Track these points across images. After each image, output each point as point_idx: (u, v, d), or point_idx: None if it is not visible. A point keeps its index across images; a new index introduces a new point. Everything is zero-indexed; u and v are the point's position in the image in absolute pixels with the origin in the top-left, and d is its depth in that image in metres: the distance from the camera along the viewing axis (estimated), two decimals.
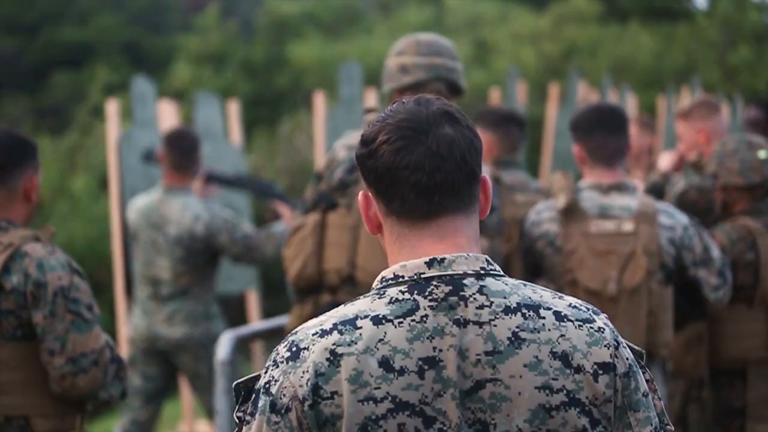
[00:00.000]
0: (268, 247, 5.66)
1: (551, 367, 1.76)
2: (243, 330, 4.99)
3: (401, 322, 1.77)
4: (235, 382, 1.84)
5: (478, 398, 1.75)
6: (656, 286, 3.91)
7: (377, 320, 1.77)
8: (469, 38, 21.62)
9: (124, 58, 26.61)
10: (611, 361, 1.79)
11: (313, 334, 1.79)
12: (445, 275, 1.80)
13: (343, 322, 1.78)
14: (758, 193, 4.56)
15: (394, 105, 1.89)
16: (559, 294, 1.86)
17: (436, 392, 1.74)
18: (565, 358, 1.77)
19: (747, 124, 6.05)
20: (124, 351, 6.25)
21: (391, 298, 1.79)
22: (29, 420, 3.30)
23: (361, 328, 1.77)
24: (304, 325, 1.84)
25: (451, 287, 1.79)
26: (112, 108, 6.68)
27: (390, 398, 1.74)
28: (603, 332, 1.81)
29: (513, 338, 1.76)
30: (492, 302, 1.78)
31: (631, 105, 11.99)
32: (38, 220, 14.34)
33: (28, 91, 25.46)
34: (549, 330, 1.78)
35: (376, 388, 1.74)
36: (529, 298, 1.81)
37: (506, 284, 1.82)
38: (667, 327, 3.98)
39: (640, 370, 1.84)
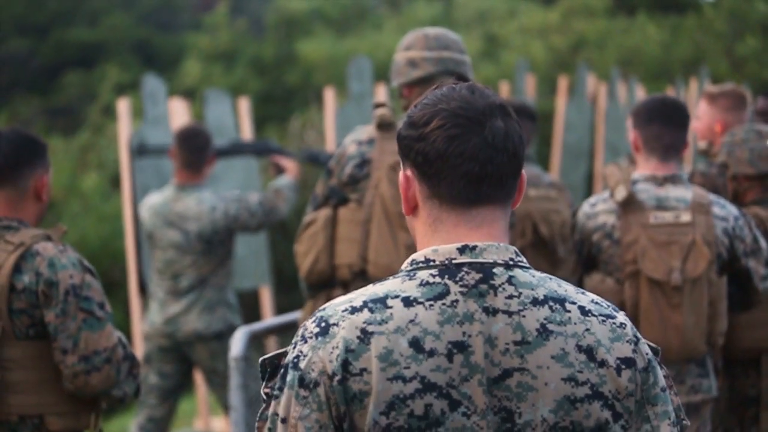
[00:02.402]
0: (281, 203, 5.74)
1: (577, 360, 1.79)
2: (257, 326, 5.02)
3: (432, 305, 1.79)
4: (261, 358, 1.86)
5: (505, 386, 1.77)
6: (714, 275, 3.93)
7: (408, 301, 1.79)
8: (479, 32, 21.59)
9: (134, 58, 26.63)
10: (633, 356, 1.82)
11: (343, 311, 1.81)
12: (476, 263, 1.82)
13: (374, 301, 1.80)
14: None
15: (444, 89, 1.89)
16: (582, 290, 1.89)
17: (464, 377, 1.76)
18: (590, 352, 1.80)
19: (755, 115, 5.80)
20: (140, 348, 6.27)
21: (422, 280, 1.81)
22: (43, 418, 3.32)
23: (392, 307, 1.79)
24: (333, 301, 1.85)
25: (481, 275, 1.81)
26: (124, 107, 6.72)
27: (419, 378, 1.75)
28: (624, 328, 1.84)
29: (541, 329, 1.79)
30: (521, 293, 1.81)
31: (639, 97, 12.00)
32: (51, 219, 14.41)
33: (40, 91, 25.49)
34: (575, 323, 1.81)
35: (405, 368, 1.75)
36: (556, 291, 1.84)
37: (533, 276, 1.85)
38: (723, 316, 4.00)
39: (657, 366, 1.86)
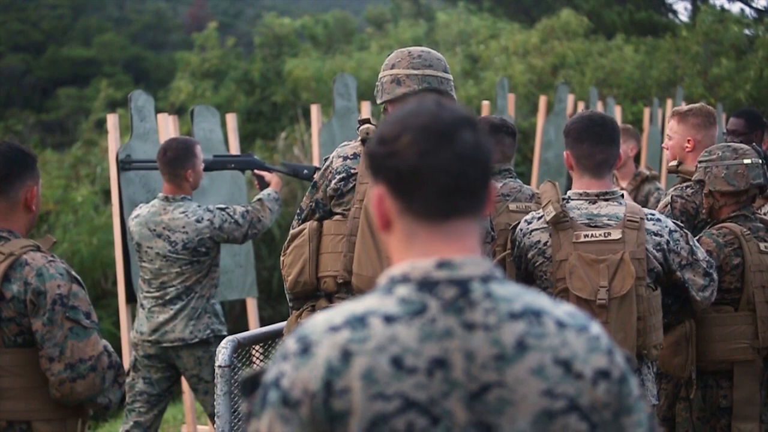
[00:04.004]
0: (265, 214, 5.86)
1: (554, 373, 1.77)
2: (243, 335, 5.02)
3: (412, 322, 1.77)
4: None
5: (485, 401, 1.76)
6: (645, 290, 3.91)
7: (388, 319, 1.77)
8: (461, 53, 21.81)
9: (127, 75, 26.84)
10: (608, 367, 1.81)
11: (323, 330, 1.78)
12: (453, 278, 1.80)
13: (354, 319, 1.78)
14: (744, 199, 4.67)
15: (411, 105, 1.88)
16: (557, 301, 1.89)
17: (444, 393, 1.75)
18: (566, 365, 1.78)
19: (728, 134, 6.05)
20: (128, 356, 6.33)
21: (401, 297, 1.80)
22: (31, 425, 3.34)
23: (372, 326, 1.77)
24: (312, 319, 1.82)
25: (459, 289, 1.79)
26: (113, 122, 6.79)
27: (400, 396, 1.74)
28: (599, 339, 1.83)
29: (518, 344, 1.77)
30: (498, 307, 1.79)
31: (616, 117, 12.13)
32: (43, 231, 14.71)
33: (34, 106, 25.64)
34: (552, 336, 1.79)
35: (386, 386, 1.74)
36: (532, 304, 1.82)
37: (510, 290, 1.83)
38: (657, 329, 3.98)
39: (631, 375, 1.86)
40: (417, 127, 1.82)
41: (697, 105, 5.39)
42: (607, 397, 1.80)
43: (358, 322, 1.78)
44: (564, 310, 1.85)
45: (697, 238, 4.65)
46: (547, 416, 1.76)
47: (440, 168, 1.81)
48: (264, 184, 6.13)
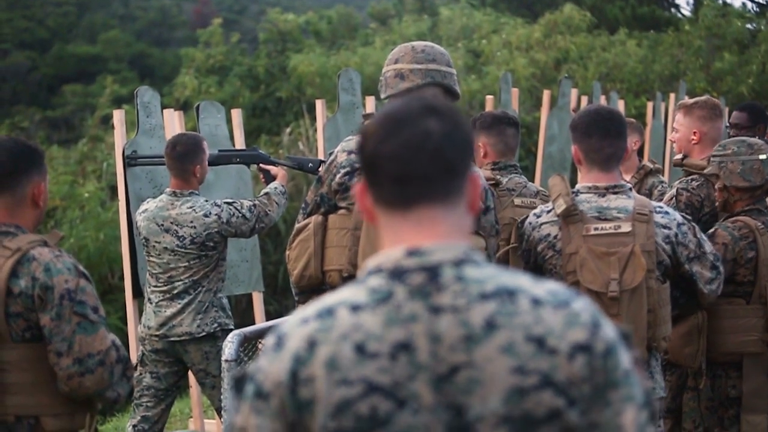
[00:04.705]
0: (272, 208, 5.87)
1: (525, 350, 1.76)
2: (249, 329, 5.04)
3: (377, 310, 1.79)
4: (233, 376, 1.90)
5: (453, 382, 1.76)
6: (654, 283, 3.91)
7: (354, 308, 1.80)
8: (464, 48, 21.79)
9: (132, 71, 26.87)
10: (588, 342, 1.78)
11: (296, 324, 1.82)
12: (423, 264, 1.81)
13: (323, 311, 1.82)
14: (758, 193, 4.71)
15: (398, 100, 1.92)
16: (540, 279, 1.86)
17: (409, 375, 1.76)
18: (539, 341, 1.76)
19: (731, 127, 6.12)
20: (135, 351, 6.35)
21: (371, 287, 1.82)
22: (39, 419, 3.33)
23: (338, 316, 1.80)
24: (291, 316, 1.89)
25: (427, 275, 1.80)
26: (119, 117, 6.81)
27: (363, 381, 1.76)
28: (580, 315, 1.80)
29: (488, 323, 1.77)
30: (468, 289, 1.79)
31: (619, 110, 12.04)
32: (50, 227, 14.78)
33: (40, 103, 25.67)
34: (524, 314, 1.78)
35: (349, 372, 1.76)
36: (506, 284, 1.80)
37: (484, 271, 1.82)
38: (666, 322, 3.99)
39: (622, 350, 1.82)
40: (381, 117, 1.87)
41: (702, 97, 5.41)
42: (585, 371, 1.77)
43: (327, 313, 1.81)
44: (545, 288, 1.83)
45: (712, 230, 4.72)
46: (518, 393, 1.75)
47: (389, 155, 1.83)
48: (270, 178, 6.12)
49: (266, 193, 5.94)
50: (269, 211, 5.85)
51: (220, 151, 6.33)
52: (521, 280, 1.83)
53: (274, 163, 6.19)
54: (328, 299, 1.85)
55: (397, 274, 1.81)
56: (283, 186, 6.04)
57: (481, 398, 1.75)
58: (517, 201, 5.02)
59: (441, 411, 1.75)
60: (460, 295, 1.78)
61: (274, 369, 1.80)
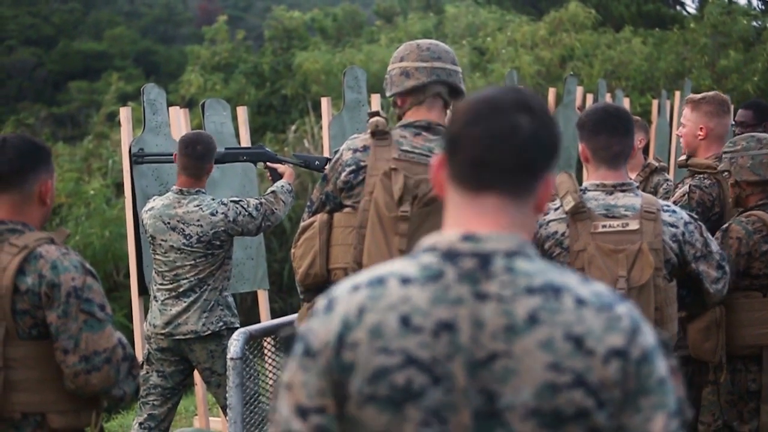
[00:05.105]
0: (278, 206, 5.85)
1: (563, 347, 1.79)
2: (255, 327, 5.05)
3: (426, 286, 1.83)
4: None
5: (490, 369, 1.79)
6: (662, 281, 3.91)
7: (405, 281, 1.85)
8: (469, 45, 21.81)
9: (137, 69, 26.92)
10: (625, 347, 1.81)
11: (347, 290, 1.89)
12: (476, 250, 1.85)
13: (375, 280, 1.87)
14: None
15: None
16: (588, 279, 1.89)
17: (448, 355, 1.80)
18: (577, 341, 1.79)
19: (736, 125, 6.12)
20: (141, 349, 6.36)
21: (423, 263, 1.86)
22: (45, 416, 3.34)
23: (388, 286, 1.85)
24: (343, 282, 1.94)
25: (478, 261, 1.84)
26: (125, 115, 6.81)
27: (403, 353, 1.81)
28: (622, 320, 1.82)
29: (530, 317, 1.80)
30: (516, 281, 1.83)
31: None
32: (55, 224, 14.81)
33: (46, 100, 25.73)
34: (567, 313, 1.81)
35: (391, 342, 1.81)
36: (554, 280, 1.84)
37: (534, 266, 1.86)
38: (672, 320, 3.99)
39: (660, 357, 1.84)
40: (475, 99, 1.92)
41: (710, 93, 5.41)
42: (618, 376, 1.80)
43: (378, 282, 1.87)
44: (591, 288, 1.86)
45: (726, 225, 4.76)
46: (550, 389, 1.78)
47: (474, 138, 1.87)
48: (276, 176, 6.11)
49: (273, 191, 5.92)
50: (275, 209, 5.83)
51: (226, 149, 6.32)
52: (569, 279, 1.86)
53: (281, 161, 6.17)
54: (380, 269, 1.91)
55: (450, 255, 1.86)
56: (289, 184, 6.02)
57: (514, 388, 1.79)
58: None
59: (473, 394, 1.80)
60: (508, 286, 1.83)
61: (323, 330, 1.87)
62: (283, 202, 5.88)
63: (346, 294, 1.89)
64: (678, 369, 1.92)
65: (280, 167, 6.13)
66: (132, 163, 6.60)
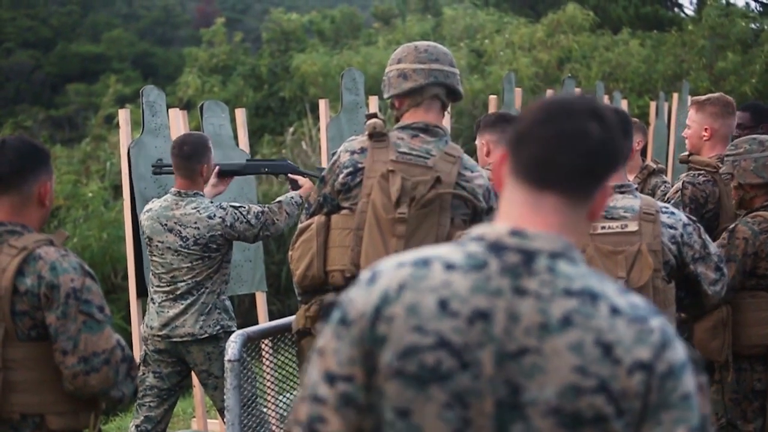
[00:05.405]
0: (281, 218, 5.80)
1: (591, 352, 1.82)
2: (252, 329, 5.02)
3: (468, 274, 1.87)
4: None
5: (518, 363, 1.83)
6: (661, 282, 3.91)
7: (449, 266, 1.89)
8: (467, 48, 21.82)
9: (135, 71, 26.96)
10: (651, 361, 1.83)
11: (392, 266, 1.93)
12: (522, 247, 1.89)
13: (420, 261, 1.92)
14: None
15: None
16: (627, 290, 1.93)
17: (479, 343, 1.84)
18: (607, 348, 1.82)
19: (735, 127, 5.97)
20: (139, 351, 6.36)
21: (469, 252, 1.90)
22: (44, 417, 3.34)
23: (432, 268, 1.89)
24: (391, 258, 1.98)
25: (523, 257, 1.88)
26: (124, 117, 6.85)
27: (436, 334, 1.84)
28: (653, 333, 1.85)
29: (565, 318, 1.83)
30: (555, 281, 1.86)
31: None
32: (53, 226, 14.82)
33: (44, 102, 25.75)
34: (600, 319, 1.84)
35: (427, 322, 1.85)
36: (593, 287, 1.87)
37: (575, 269, 1.89)
38: (670, 322, 3.84)
39: (687, 373, 1.86)
40: (549, 101, 1.97)
41: (715, 94, 5.45)
42: (641, 388, 1.82)
43: (423, 263, 1.92)
44: (628, 299, 1.89)
45: (732, 226, 4.78)
46: (574, 391, 1.81)
47: (542, 138, 1.91)
48: (297, 188, 6.05)
49: (279, 201, 5.88)
50: (277, 219, 5.78)
51: (248, 160, 6.31)
52: (608, 287, 1.89)
53: (302, 174, 6.13)
54: (427, 251, 1.95)
55: (496, 248, 1.90)
56: (300, 197, 5.95)
57: (539, 385, 1.82)
58: None
59: (498, 384, 1.83)
60: (547, 285, 1.86)
61: (361, 301, 1.91)
62: (287, 213, 5.83)
63: (390, 269, 1.93)
64: (707, 386, 1.94)
65: (300, 179, 6.08)
66: (130, 165, 6.59)
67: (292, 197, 5.90)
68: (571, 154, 1.90)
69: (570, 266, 1.89)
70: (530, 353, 1.83)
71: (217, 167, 5.95)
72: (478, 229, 1.95)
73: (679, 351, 1.87)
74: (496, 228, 1.93)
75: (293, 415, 1.98)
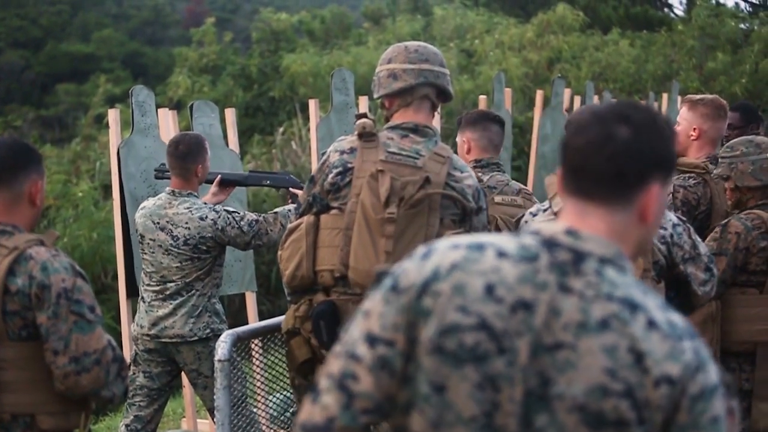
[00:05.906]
0: (274, 228, 5.76)
1: (623, 357, 1.86)
2: (242, 329, 5.01)
3: (519, 264, 1.93)
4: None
5: (552, 356, 1.87)
6: (650, 282, 3.91)
7: (501, 254, 1.95)
8: (457, 48, 21.83)
9: (125, 71, 26.94)
10: (679, 379, 1.86)
11: (448, 246, 1.99)
12: (575, 247, 1.95)
13: (475, 245, 1.98)
14: None
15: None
16: (668, 307, 1.96)
17: (518, 331, 1.89)
18: (639, 356, 1.86)
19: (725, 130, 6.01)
20: (129, 351, 6.36)
21: (523, 243, 1.96)
22: (35, 417, 3.33)
23: (485, 254, 1.95)
24: (437, 243, 2.04)
25: (573, 257, 1.93)
26: (114, 117, 6.84)
27: (478, 316, 1.90)
28: (684, 353, 1.88)
29: (603, 321, 1.88)
30: (600, 285, 1.91)
31: None
32: (43, 226, 14.80)
33: (33, 102, 25.73)
34: (636, 329, 1.88)
35: (471, 304, 1.91)
36: (634, 297, 1.91)
37: (622, 277, 1.94)
38: None
39: (718, 397, 1.90)
40: (585, 110, 2.03)
41: (709, 96, 5.43)
42: (664, 402, 1.86)
43: (477, 247, 1.98)
44: (668, 316, 1.93)
45: (725, 221, 4.78)
46: (601, 391, 1.86)
47: (575, 147, 1.98)
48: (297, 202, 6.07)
49: (275, 213, 5.86)
50: (271, 230, 5.75)
51: (251, 171, 6.30)
52: (650, 301, 1.93)
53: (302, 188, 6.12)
54: (483, 237, 2.02)
55: (550, 244, 1.96)
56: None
57: (568, 380, 1.87)
58: (498, 198, 5.03)
59: (531, 374, 1.89)
60: (591, 287, 1.91)
61: (413, 272, 1.98)
62: (282, 225, 5.79)
63: (445, 249, 1.99)
64: (737, 411, 2.00)
65: (298, 193, 6.01)
66: (120, 165, 6.59)
67: (289, 210, 5.87)
68: (596, 159, 1.95)
69: (617, 274, 1.94)
70: (565, 348, 1.88)
71: (219, 176, 5.97)
72: (535, 225, 2.02)
73: (712, 374, 1.90)
74: (554, 225, 1.99)
75: (325, 369, 2.02)
